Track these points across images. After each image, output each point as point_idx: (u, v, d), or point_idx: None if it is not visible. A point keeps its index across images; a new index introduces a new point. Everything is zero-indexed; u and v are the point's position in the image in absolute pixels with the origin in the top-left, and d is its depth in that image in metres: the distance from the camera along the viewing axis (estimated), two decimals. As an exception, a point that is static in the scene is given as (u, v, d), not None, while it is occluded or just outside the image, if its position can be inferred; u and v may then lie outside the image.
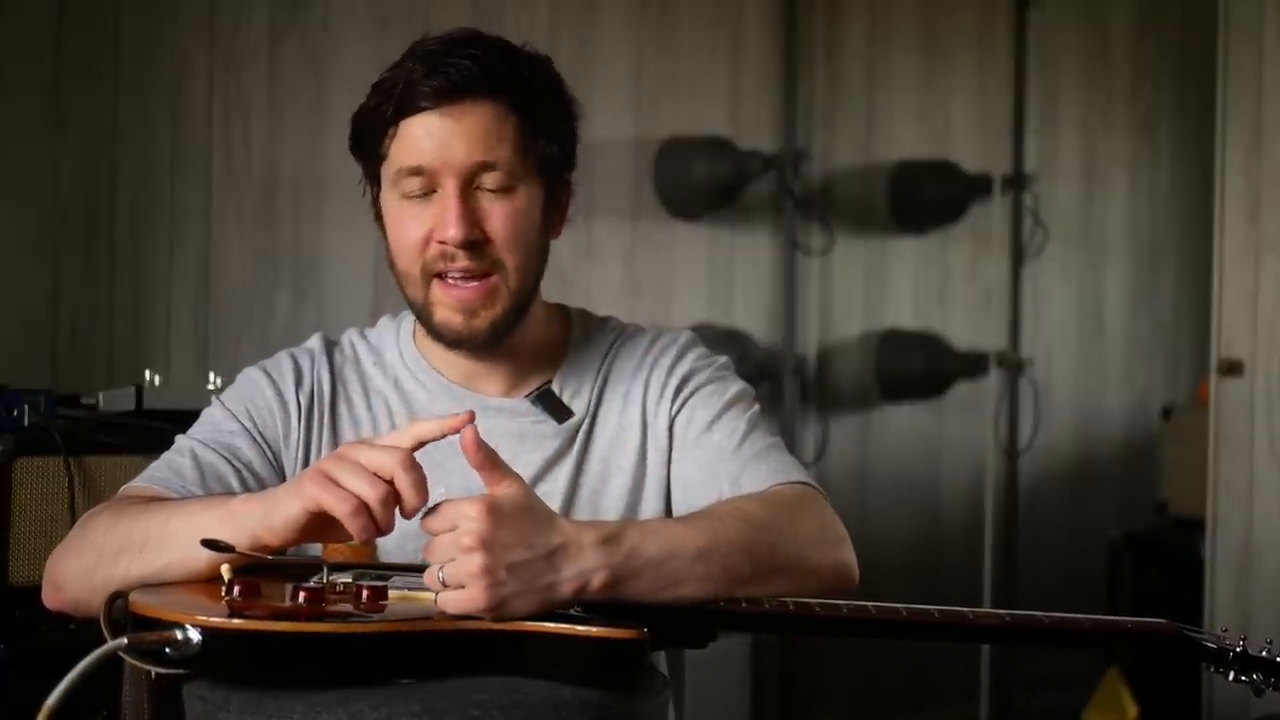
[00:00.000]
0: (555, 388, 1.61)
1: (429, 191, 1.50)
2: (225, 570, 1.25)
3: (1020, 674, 4.50)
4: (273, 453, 1.55)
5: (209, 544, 1.26)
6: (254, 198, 3.04)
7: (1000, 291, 4.51)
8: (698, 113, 3.81)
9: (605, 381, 1.62)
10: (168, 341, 2.92)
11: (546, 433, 1.58)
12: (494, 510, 1.21)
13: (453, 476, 1.44)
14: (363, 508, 1.23)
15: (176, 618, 1.15)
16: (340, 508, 1.23)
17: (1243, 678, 1.36)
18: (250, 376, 1.60)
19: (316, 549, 1.42)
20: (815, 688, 4.08)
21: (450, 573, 1.21)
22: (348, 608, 1.21)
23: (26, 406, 2.14)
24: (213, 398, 1.61)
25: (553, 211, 1.57)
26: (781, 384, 3.96)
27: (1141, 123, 5.03)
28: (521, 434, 1.57)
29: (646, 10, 3.72)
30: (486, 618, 1.20)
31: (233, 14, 3.00)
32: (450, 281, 1.51)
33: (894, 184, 4.21)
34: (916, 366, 4.23)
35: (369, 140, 1.52)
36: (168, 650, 1.14)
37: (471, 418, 1.28)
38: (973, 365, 4.27)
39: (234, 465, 1.51)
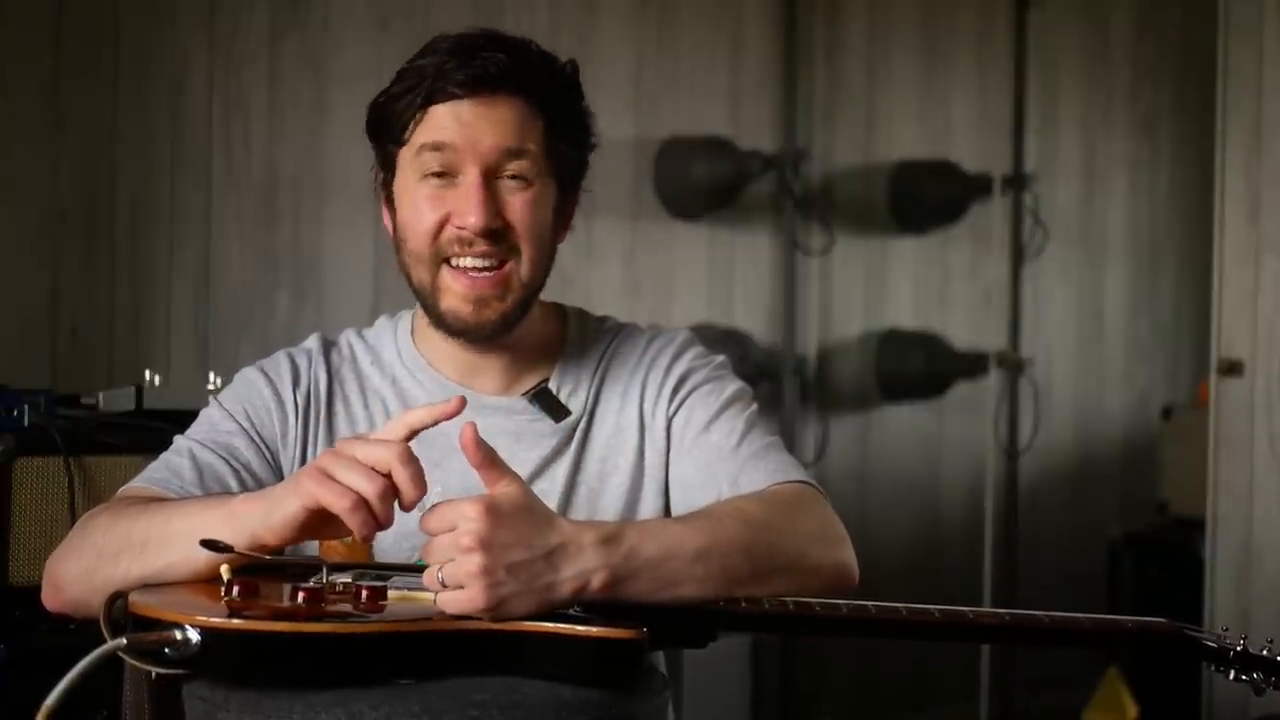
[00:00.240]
0: (552, 386, 1.61)
1: (446, 172, 1.49)
2: (224, 570, 1.25)
3: (1020, 674, 4.50)
4: (270, 453, 1.55)
5: (208, 544, 1.26)
6: (254, 198, 3.04)
7: (1000, 291, 4.51)
8: (698, 113, 3.81)
9: (603, 380, 1.62)
10: (168, 341, 2.92)
11: (543, 431, 1.58)
12: (493, 510, 1.21)
13: (451, 475, 1.45)
14: (362, 503, 1.23)
15: (176, 618, 1.16)
16: (339, 504, 1.23)
17: (1243, 677, 1.36)
18: (248, 377, 1.60)
19: (314, 549, 1.42)
20: (815, 688, 4.08)
21: (449, 573, 1.20)
22: (347, 608, 1.21)
23: (26, 406, 2.14)
24: (211, 398, 1.61)
25: (562, 216, 1.58)
26: (781, 384, 3.96)
27: (1141, 123, 5.03)
28: (518, 432, 1.57)
29: (646, 10, 3.72)
30: (486, 618, 1.20)
31: (233, 14, 3.00)
32: (462, 269, 1.51)
33: (894, 184, 4.21)
34: (916, 366, 4.23)
35: (392, 125, 1.52)
36: (167, 650, 1.14)
37: (463, 403, 1.28)
38: (973, 365, 4.27)
39: (232, 465, 1.51)
